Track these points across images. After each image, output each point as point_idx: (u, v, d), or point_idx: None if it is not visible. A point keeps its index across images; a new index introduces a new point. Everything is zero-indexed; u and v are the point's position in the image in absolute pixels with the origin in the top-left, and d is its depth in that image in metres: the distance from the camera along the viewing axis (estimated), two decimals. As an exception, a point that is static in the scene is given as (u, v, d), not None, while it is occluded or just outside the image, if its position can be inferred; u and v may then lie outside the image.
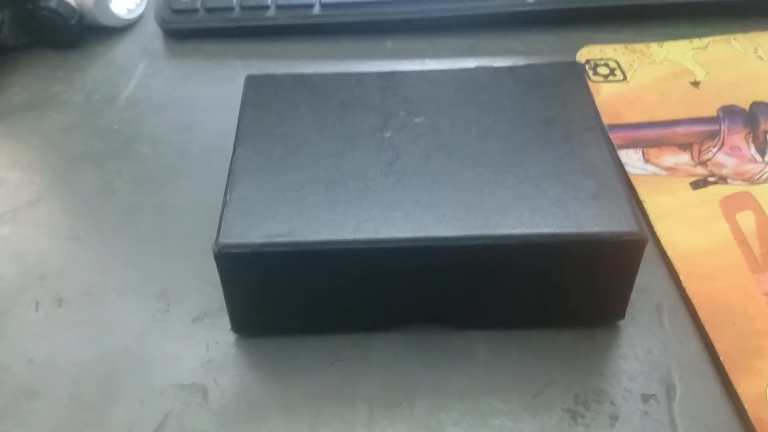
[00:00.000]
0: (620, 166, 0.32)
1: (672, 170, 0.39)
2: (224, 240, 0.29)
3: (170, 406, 0.30)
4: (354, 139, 0.33)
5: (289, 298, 0.31)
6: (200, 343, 0.33)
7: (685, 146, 0.40)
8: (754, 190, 0.37)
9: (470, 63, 0.47)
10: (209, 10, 0.49)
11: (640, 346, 0.32)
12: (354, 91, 0.36)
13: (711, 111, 0.42)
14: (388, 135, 0.33)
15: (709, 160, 0.39)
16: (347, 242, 0.29)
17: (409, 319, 0.32)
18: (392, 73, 0.37)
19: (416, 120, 0.34)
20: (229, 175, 0.32)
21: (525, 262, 0.30)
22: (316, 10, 0.49)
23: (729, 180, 0.38)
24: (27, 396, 0.31)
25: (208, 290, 0.34)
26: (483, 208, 0.30)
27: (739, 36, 0.47)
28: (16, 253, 0.37)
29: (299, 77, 0.37)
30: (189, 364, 0.32)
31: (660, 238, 0.35)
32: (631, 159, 0.39)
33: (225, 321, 0.33)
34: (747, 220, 0.36)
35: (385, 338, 0.32)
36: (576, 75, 0.36)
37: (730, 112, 0.42)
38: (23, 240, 0.38)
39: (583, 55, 0.46)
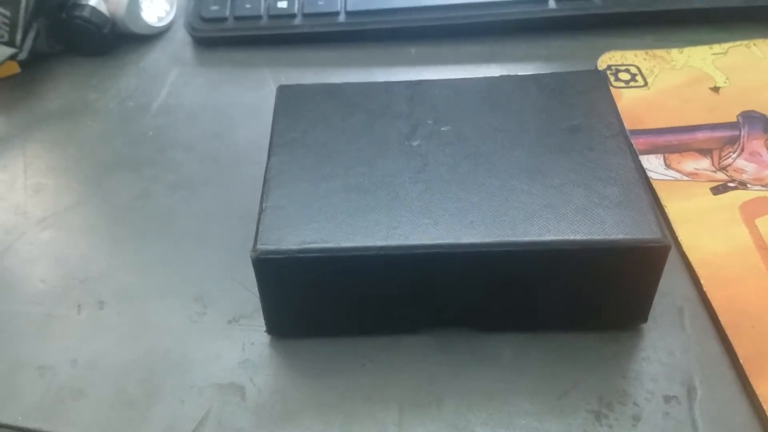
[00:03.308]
0: (643, 172, 0.33)
1: (693, 175, 0.40)
2: (262, 246, 0.30)
3: (209, 405, 0.32)
4: (383, 147, 0.34)
5: (322, 302, 0.32)
6: (236, 344, 0.34)
7: (705, 152, 0.41)
8: (773, 195, 0.38)
9: (493, 69, 0.48)
10: (238, 19, 0.51)
11: (662, 349, 0.33)
12: (382, 100, 0.37)
13: (731, 116, 0.43)
14: (416, 143, 0.35)
15: (729, 165, 0.40)
16: (378, 248, 0.30)
17: (438, 322, 0.34)
18: (419, 82, 0.38)
19: (443, 128, 0.35)
20: (264, 183, 0.33)
21: (551, 268, 0.31)
22: (342, 18, 0.50)
23: (749, 185, 0.39)
24: (73, 395, 0.32)
25: (242, 293, 0.36)
26: (510, 216, 0.31)
27: (759, 41, 0.48)
28: (58, 257, 0.38)
29: (330, 87, 0.38)
30: (226, 364, 0.33)
31: (681, 242, 0.36)
32: (653, 164, 0.40)
33: (259, 322, 0.34)
34: (766, 225, 0.37)
35: (414, 340, 0.33)
36: (599, 83, 0.37)
37: (749, 117, 0.43)
38: (64, 244, 0.39)
39: (605, 61, 0.47)
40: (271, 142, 0.35)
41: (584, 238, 0.30)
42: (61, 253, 0.39)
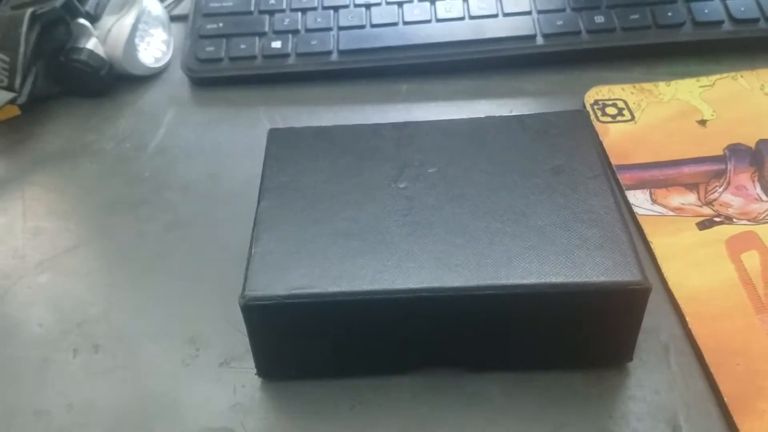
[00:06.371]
0: (624, 214, 0.33)
1: (679, 210, 0.40)
2: (250, 292, 0.31)
3: (201, 449, 0.32)
4: (371, 190, 0.35)
5: (311, 345, 0.33)
6: (228, 387, 0.34)
7: (691, 186, 0.41)
8: (759, 229, 0.38)
9: (482, 105, 0.49)
10: (233, 59, 0.52)
11: (648, 387, 0.33)
12: (370, 142, 0.38)
13: (717, 150, 0.43)
14: (402, 185, 0.35)
15: (715, 200, 0.41)
16: (364, 293, 0.31)
17: (426, 362, 0.34)
18: (406, 124, 0.39)
19: (429, 170, 0.36)
20: (253, 228, 0.34)
21: (533, 310, 0.31)
22: (334, 56, 0.51)
23: (735, 219, 0.39)
24: (67, 440, 0.33)
25: (234, 334, 0.36)
26: (493, 258, 0.31)
27: (746, 73, 0.48)
28: (55, 301, 0.39)
29: (319, 130, 0.39)
30: (217, 407, 0.34)
31: (667, 279, 0.37)
32: (639, 200, 0.41)
33: (250, 364, 0.34)
34: (752, 260, 0.37)
35: (403, 381, 0.34)
36: (582, 122, 0.38)
37: (736, 150, 0.43)
38: (61, 287, 0.40)
39: (592, 95, 0.48)
40: (261, 186, 0.36)
41: (565, 281, 0.30)
42: (58, 297, 0.39)
